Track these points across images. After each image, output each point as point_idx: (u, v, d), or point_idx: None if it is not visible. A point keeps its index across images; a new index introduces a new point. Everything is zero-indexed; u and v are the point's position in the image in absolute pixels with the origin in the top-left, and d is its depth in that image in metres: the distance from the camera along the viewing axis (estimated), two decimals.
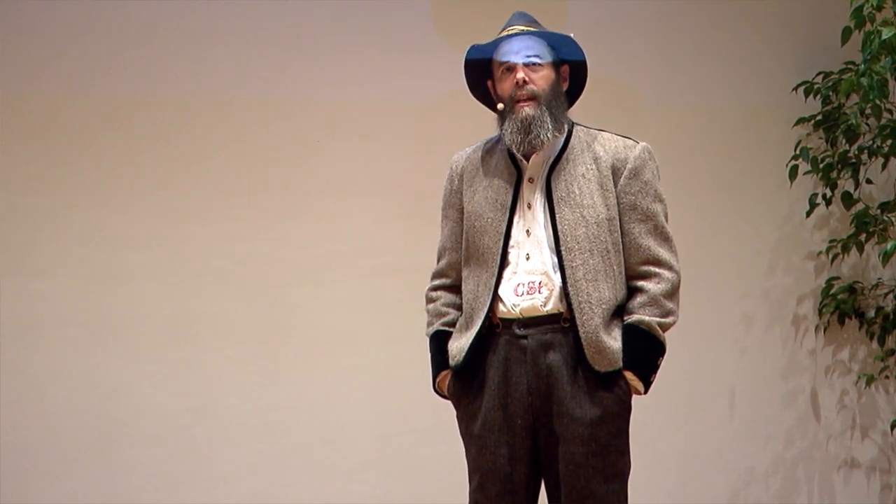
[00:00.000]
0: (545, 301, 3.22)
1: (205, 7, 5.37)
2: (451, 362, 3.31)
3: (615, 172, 3.27)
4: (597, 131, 3.36)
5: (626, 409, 3.26)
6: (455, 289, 3.43)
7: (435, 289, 3.47)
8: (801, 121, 5.46)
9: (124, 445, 5.21)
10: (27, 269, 5.22)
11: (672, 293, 3.28)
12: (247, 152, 5.35)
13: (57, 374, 5.20)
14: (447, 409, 3.43)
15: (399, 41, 5.42)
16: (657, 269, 3.27)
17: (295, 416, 5.26)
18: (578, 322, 3.17)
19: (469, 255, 3.35)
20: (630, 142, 3.32)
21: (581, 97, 3.40)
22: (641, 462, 5.28)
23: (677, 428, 5.46)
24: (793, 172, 5.38)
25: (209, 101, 5.33)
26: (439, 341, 3.40)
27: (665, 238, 3.30)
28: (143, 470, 5.20)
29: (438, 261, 3.49)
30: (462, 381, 3.31)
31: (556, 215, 3.22)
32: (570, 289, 3.18)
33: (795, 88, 5.46)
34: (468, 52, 3.31)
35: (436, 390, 3.44)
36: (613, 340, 3.20)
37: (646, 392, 3.28)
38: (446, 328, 3.40)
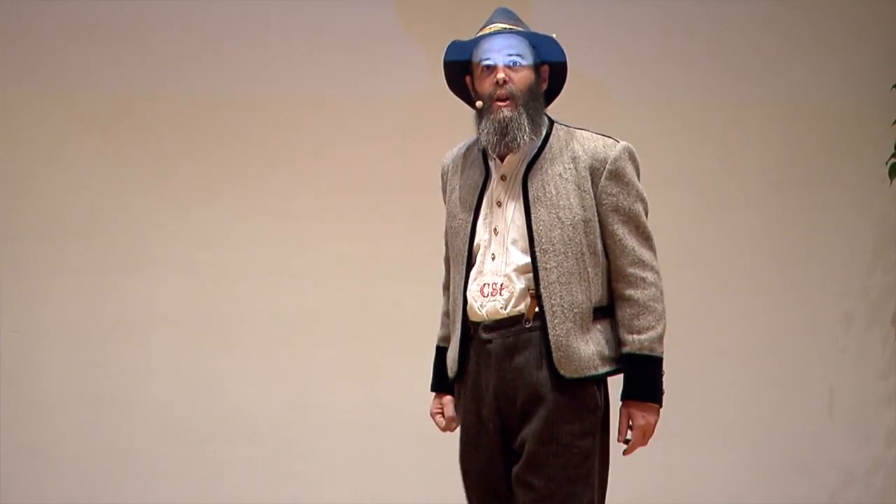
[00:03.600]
0: (505, 303, 3.16)
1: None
2: (450, 374, 3.31)
3: (593, 173, 3.17)
4: (576, 130, 3.26)
5: (593, 411, 3.16)
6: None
7: (444, 288, 3.46)
8: None
9: (222, 443, 5.30)
10: (133, 268, 5.35)
11: (659, 296, 3.20)
12: (344, 152, 5.40)
13: (159, 371, 5.31)
14: None
15: None
16: (642, 273, 3.18)
17: (393, 415, 5.30)
18: (549, 325, 3.11)
19: (450, 256, 3.35)
20: (610, 141, 3.22)
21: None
22: (739, 461, 5.43)
23: (775, 428, 5.43)
24: (892, 170, 5.31)
25: (308, 101, 5.41)
26: (437, 358, 3.44)
27: (646, 238, 3.22)
28: (241, 468, 5.29)
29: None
30: (456, 386, 3.32)
31: (532, 215, 3.15)
32: (542, 291, 3.12)
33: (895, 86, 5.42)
34: (448, 49, 3.25)
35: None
36: (584, 345, 3.14)
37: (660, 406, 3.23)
38: (444, 344, 3.41)
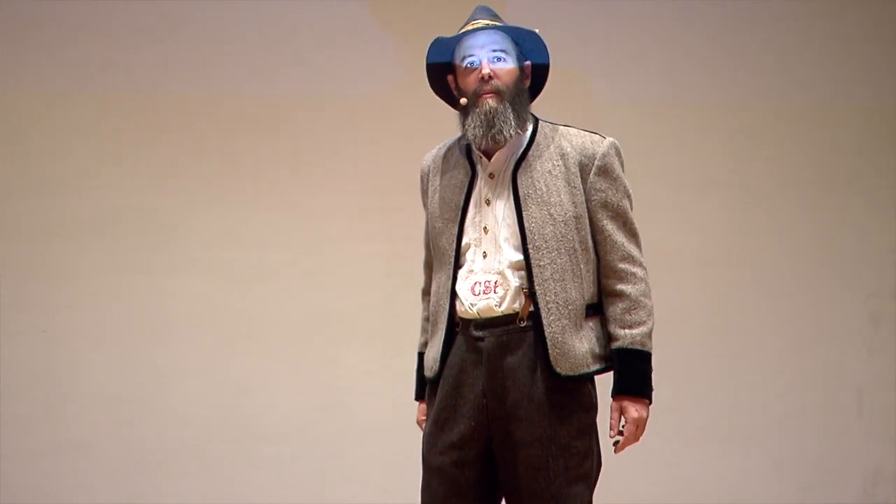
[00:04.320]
0: (500, 301, 3.13)
1: None
2: (428, 373, 3.26)
3: (582, 169, 3.16)
4: (562, 127, 3.25)
5: (588, 410, 3.16)
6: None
7: (422, 294, 3.45)
8: None
9: (250, 444, 5.32)
10: (157, 268, 5.36)
11: (648, 292, 3.19)
12: (371, 150, 5.42)
13: (185, 371, 5.33)
14: None
15: None
16: (632, 269, 3.17)
17: None
18: (545, 322, 3.08)
19: (434, 257, 3.31)
20: (597, 137, 3.21)
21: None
22: (767, 462, 5.41)
23: (804, 428, 5.44)
24: None
25: (333, 99, 5.42)
26: (418, 365, 3.40)
27: (634, 234, 3.22)
28: (268, 468, 5.30)
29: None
30: (433, 387, 3.26)
31: (523, 213, 3.13)
32: (537, 288, 3.09)
33: None
34: (431, 46, 3.22)
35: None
36: (580, 342, 3.12)
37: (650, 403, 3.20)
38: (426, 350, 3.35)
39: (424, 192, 3.38)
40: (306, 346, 5.36)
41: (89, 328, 5.29)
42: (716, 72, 5.56)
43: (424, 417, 3.34)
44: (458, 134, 3.30)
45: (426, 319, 3.40)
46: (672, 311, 5.42)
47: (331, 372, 5.35)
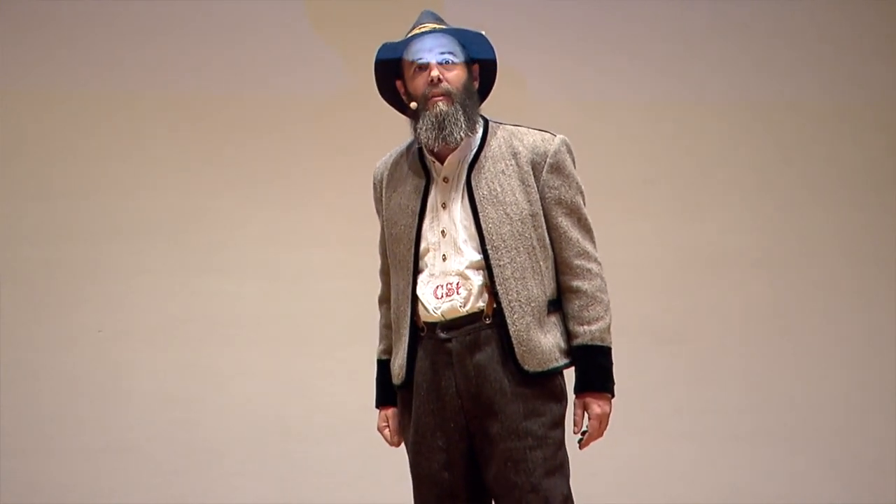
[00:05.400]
0: (464, 301, 3.17)
1: None
2: (396, 381, 3.29)
3: (535, 167, 3.20)
4: (512, 126, 3.29)
5: (560, 401, 3.20)
6: (389, 303, 3.39)
7: (379, 302, 3.46)
8: None
9: (305, 442, 5.33)
10: (216, 268, 5.40)
11: (604, 287, 3.22)
12: None
13: (242, 371, 5.35)
14: None
15: None
16: (587, 264, 3.20)
17: None
18: (509, 321, 3.13)
19: (391, 264, 3.33)
20: (547, 135, 3.25)
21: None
22: (811, 462, 5.32)
23: (848, 428, 5.38)
24: None
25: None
26: (380, 372, 3.42)
27: (588, 229, 3.25)
28: (319, 467, 5.30)
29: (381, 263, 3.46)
30: (405, 393, 3.28)
31: (480, 214, 3.17)
32: (498, 288, 3.13)
33: None
34: (379, 51, 3.25)
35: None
36: (545, 337, 3.16)
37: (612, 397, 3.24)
38: (386, 357, 3.38)
39: (378, 200, 3.41)
40: (361, 346, 5.25)
41: (145, 328, 5.34)
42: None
43: (385, 424, 3.41)
44: (408, 140, 3.35)
45: (386, 326, 3.42)
46: (731, 311, 5.31)
47: None
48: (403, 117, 3.32)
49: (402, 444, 3.36)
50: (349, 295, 5.32)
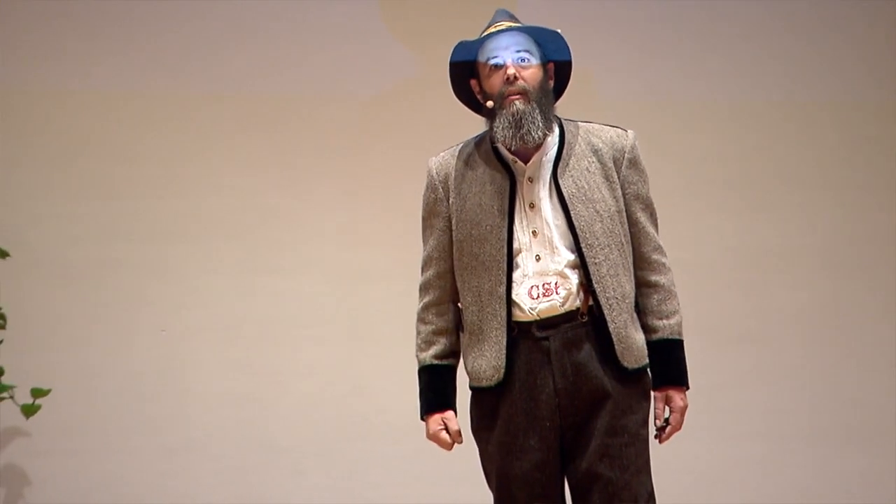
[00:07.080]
0: (563, 300, 3.16)
1: None
2: (486, 382, 3.20)
3: (616, 163, 3.23)
4: (584, 123, 3.30)
5: (648, 399, 3.24)
6: (444, 307, 3.32)
7: (426, 308, 3.35)
8: None
9: (365, 442, 5.33)
10: (278, 268, 5.41)
11: (674, 280, 3.28)
12: None
13: (303, 370, 5.36)
14: None
15: None
16: (662, 259, 3.26)
17: None
18: (608, 318, 3.15)
19: (465, 265, 3.24)
20: (620, 131, 3.28)
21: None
22: (865, 462, 5.33)
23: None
24: None
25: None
26: (431, 377, 3.32)
27: (657, 225, 3.30)
28: (381, 467, 5.30)
29: (423, 272, 3.36)
30: (492, 395, 3.21)
31: (571, 212, 3.17)
32: (595, 286, 3.14)
33: None
34: (454, 50, 3.22)
35: (422, 417, 3.35)
36: (637, 334, 3.20)
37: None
38: (439, 362, 3.30)
39: (439, 201, 3.32)
40: None
41: (208, 327, 5.36)
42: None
43: (441, 427, 3.30)
44: (466, 138, 3.34)
45: (438, 332, 3.32)
46: (794, 310, 5.26)
47: None
48: (467, 113, 3.31)
49: (455, 447, 3.32)
50: (410, 294, 5.28)
